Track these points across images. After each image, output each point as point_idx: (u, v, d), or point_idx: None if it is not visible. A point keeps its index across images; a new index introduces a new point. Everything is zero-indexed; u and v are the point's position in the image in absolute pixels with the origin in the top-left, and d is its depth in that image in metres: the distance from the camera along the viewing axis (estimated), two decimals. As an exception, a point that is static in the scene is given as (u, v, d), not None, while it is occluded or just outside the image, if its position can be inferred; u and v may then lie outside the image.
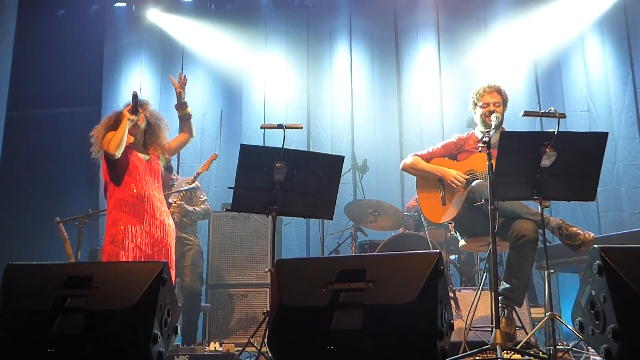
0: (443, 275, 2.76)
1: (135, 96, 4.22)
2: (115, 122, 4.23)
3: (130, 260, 3.99)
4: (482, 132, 4.39)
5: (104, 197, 4.31)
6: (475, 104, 4.45)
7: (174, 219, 5.41)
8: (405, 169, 4.59)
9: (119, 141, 4.08)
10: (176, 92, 4.59)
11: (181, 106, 4.58)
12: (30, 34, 8.16)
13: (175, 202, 5.42)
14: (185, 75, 4.64)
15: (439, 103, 7.83)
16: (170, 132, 4.58)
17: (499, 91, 4.42)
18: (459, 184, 4.28)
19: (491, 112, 4.28)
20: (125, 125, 4.13)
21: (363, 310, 2.69)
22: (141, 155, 4.29)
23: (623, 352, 2.56)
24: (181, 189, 5.53)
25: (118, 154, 4.09)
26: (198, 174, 5.59)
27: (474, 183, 4.12)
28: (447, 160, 4.49)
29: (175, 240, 4.44)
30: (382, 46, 8.21)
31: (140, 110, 4.28)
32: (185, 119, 4.60)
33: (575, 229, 3.81)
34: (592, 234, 3.78)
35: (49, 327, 2.76)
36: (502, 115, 4.36)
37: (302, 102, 8.16)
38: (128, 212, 4.09)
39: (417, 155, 4.56)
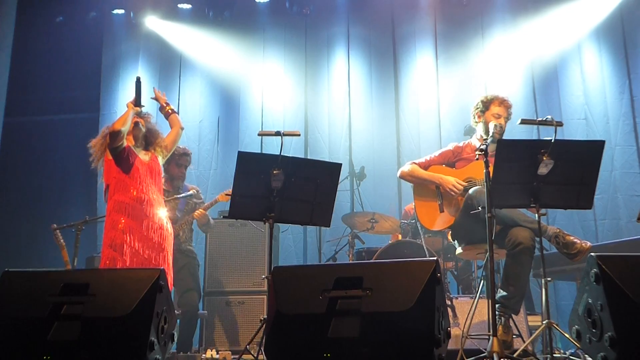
0: (440, 282, 2.76)
1: (138, 81, 4.29)
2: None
3: (128, 264, 3.99)
4: (479, 139, 4.40)
5: (104, 200, 4.32)
6: (486, 109, 4.39)
7: (183, 231, 5.50)
8: (403, 176, 4.59)
9: (124, 119, 4.19)
10: (161, 102, 4.80)
11: (165, 106, 4.79)
12: (28, 41, 8.17)
13: (200, 212, 5.50)
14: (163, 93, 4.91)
15: (437, 110, 7.85)
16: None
17: (510, 108, 4.40)
18: (457, 191, 4.28)
19: (501, 127, 4.25)
20: (130, 112, 4.25)
21: (360, 317, 2.69)
22: (142, 157, 4.32)
23: (620, 360, 2.57)
24: (179, 196, 5.52)
25: (124, 130, 4.17)
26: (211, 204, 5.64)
27: (471, 190, 4.11)
28: (445, 167, 4.49)
29: (173, 246, 4.43)
30: (380, 54, 8.24)
31: (141, 116, 4.36)
32: (169, 114, 4.74)
33: (572, 238, 3.81)
34: (588, 243, 3.78)
35: (45, 334, 2.76)
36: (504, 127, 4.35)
37: (299, 109, 8.18)
38: (127, 215, 4.10)
39: (415, 163, 4.56)
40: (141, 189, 4.19)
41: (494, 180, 3.48)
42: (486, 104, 4.40)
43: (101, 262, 4.12)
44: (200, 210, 5.52)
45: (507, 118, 4.38)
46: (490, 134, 4.03)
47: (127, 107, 4.31)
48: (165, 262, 4.20)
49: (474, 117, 4.48)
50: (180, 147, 5.71)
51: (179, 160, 5.60)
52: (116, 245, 4.03)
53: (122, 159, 4.21)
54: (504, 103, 4.37)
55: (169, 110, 4.75)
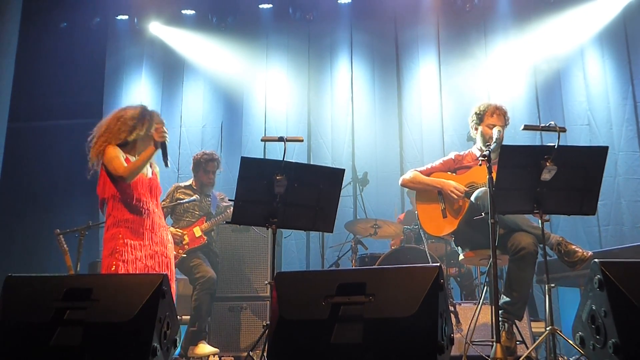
0: (443, 288, 2.75)
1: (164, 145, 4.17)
2: (126, 140, 4.15)
3: (129, 272, 3.97)
4: (479, 149, 4.42)
5: (102, 212, 4.27)
6: (481, 121, 4.43)
7: (214, 231, 5.69)
8: (405, 184, 4.60)
9: (138, 170, 4.04)
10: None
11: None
12: (32, 47, 8.20)
13: None
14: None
15: (439, 116, 7.86)
16: None
17: (505, 115, 4.43)
18: (459, 194, 4.29)
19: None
20: (149, 156, 4.07)
21: (363, 323, 2.68)
22: (143, 171, 4.27)
23: (624, 367, 2.55)
24: (182, 201, 5.57)
25: (130, 181, 4.06)
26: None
27: (478, 191, 4.11)
28: (446, 173, 4.51)
29: (173, 253, 4.42)
30: (383, 60, 8.25)
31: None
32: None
33: (574, 247, 3.80)
34: (590, 252, 3.76)
35: (48, 339, 2.75)
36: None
37: (302, 115, 8.19)
38: (127, 228, 4.06)
39: (417, 170, 4.58)
40: (139, 205, 4.14)
41: (497, 186, 3.48)
42: (480, 116, 4.44)
43: (102, 271, 4.10)
44: None
45: (505, 124, 4.40)
46: (494, 139, 4.02)
47: (154, 141, 4.09)
48: (168, 270, 4.18)
49: (472, 129, 4.53)
50: (207, 152, 5.78)
51: (206, 167, 5.72)
52: (116, 254, 4.00)
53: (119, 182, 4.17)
54: (497, 111, 4.39)
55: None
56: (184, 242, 5.41)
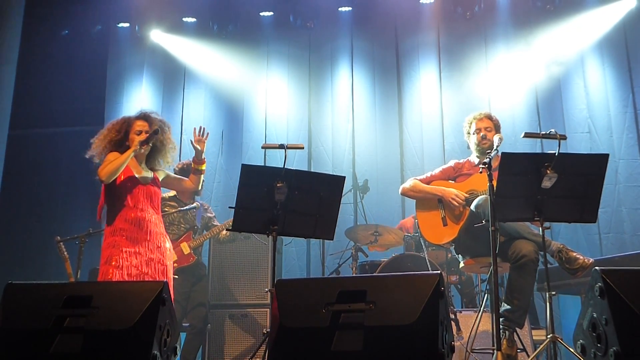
0: (444, 296, 2.74)
1: (155, 132, 4.24)
2: (121, 139, 4.26)
3: (125, 278, 3.96)
4: (477, 157, 4.45)
5: (99, 217, 4.27)
6: (469, 132, 4.56)
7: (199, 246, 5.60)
8: (405, 192, 4.62)
9: (115, 171, 4.08)
10: (195, 148, 4.62)
11: (199, 161, 4.63)
12: (34, 54, 8.21)
13: (225, 233, 5.63)
14: (204, 128, 4.72)
15: (440, 124, 7.86)
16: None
17: (490, 117, 4.53)
18: (460, 201, 4.29)
19: (484, 137, 4.37)
20: (129, 155, 4.12)
21: (364, 331, 2.67)
22: (141, 177, 4.27)
23: (625, 375, 2.54)
24: (182, 208, 5.54)
25: (107, 181, 4.09)
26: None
27: (478, 199, 4.12)
28: (446, 182, 4.52)
29: (170, 260, 4.40)
30: (383, 67, 8.27)
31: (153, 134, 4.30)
32: (196, 172, 4.65)
33: (575, 254, 3.80)
34: (591, 260, 3.77)
35: (48, 346, 2.75)
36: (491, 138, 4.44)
37: (303, 122, 8.20)
38: (124, 237, 4.06)
39: (417, 179, 4.60)
40: (137, 212, 4.13)
41: (498, 194, 3.48)
42: (468, 125, 4.59)
43: (98, 279, 4.09)
44: (224, 232, 5.60)
45: (493, 128, 4.49)
46: (495, 147, 4.03)
47: (132, 141, 4.21)
48: (165, 276, 4.17)
49: (467, 139, 4.64)
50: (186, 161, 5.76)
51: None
52: (112, 261, 3.99)
53: (112, 191, 4.19)
54: (480, 116, 4.52)
55: (198, 169, 4.65)
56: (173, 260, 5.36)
